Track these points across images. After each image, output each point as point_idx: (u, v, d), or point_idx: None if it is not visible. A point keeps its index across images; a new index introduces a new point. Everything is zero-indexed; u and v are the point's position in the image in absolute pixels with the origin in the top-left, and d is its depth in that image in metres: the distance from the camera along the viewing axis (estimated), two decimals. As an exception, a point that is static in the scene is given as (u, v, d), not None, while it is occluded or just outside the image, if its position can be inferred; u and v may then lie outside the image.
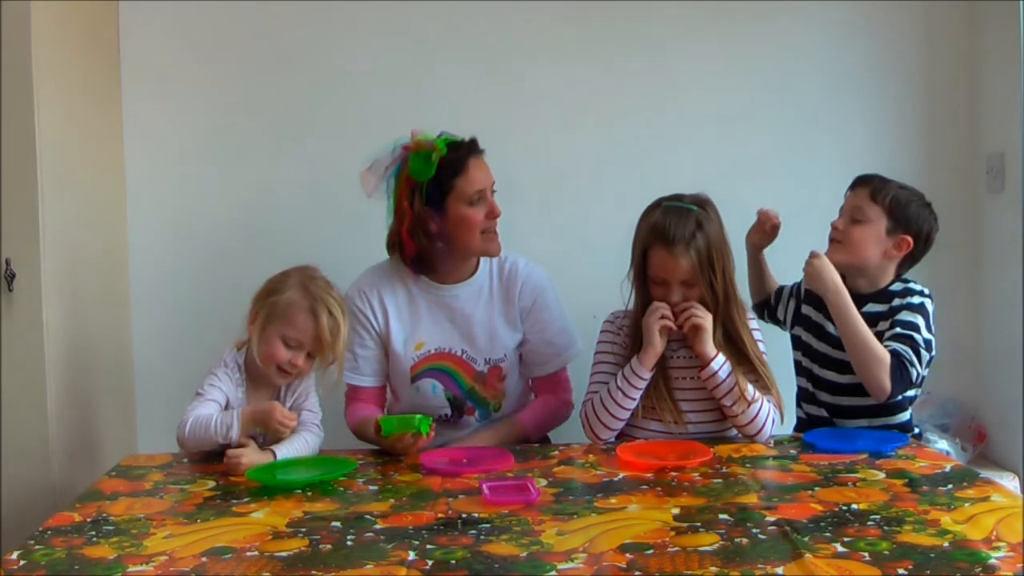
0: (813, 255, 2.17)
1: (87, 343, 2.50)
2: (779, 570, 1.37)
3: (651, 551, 1.45)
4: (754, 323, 2.24)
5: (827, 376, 2.25)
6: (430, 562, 1.43)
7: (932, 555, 1.41)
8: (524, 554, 1.45)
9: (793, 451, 2.04)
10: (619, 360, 2.21)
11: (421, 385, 2.28)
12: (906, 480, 1.81)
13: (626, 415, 2.14)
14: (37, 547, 1.52)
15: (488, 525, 1.59)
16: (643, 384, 2.13)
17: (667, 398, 2.16)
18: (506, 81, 2.83)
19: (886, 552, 1.42)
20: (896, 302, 2.18)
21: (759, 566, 1.39)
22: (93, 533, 1.58)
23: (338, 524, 1.61)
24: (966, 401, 2.85)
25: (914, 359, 2.09)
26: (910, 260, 2.23)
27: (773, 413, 2.13)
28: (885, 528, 1.53)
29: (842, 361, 2.17)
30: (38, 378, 2.25)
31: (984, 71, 2.82)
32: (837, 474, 1.85)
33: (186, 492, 1.83)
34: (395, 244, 2.27)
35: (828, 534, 1.51)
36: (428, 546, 1.49)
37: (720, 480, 1.83)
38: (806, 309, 2.32)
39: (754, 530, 1.54)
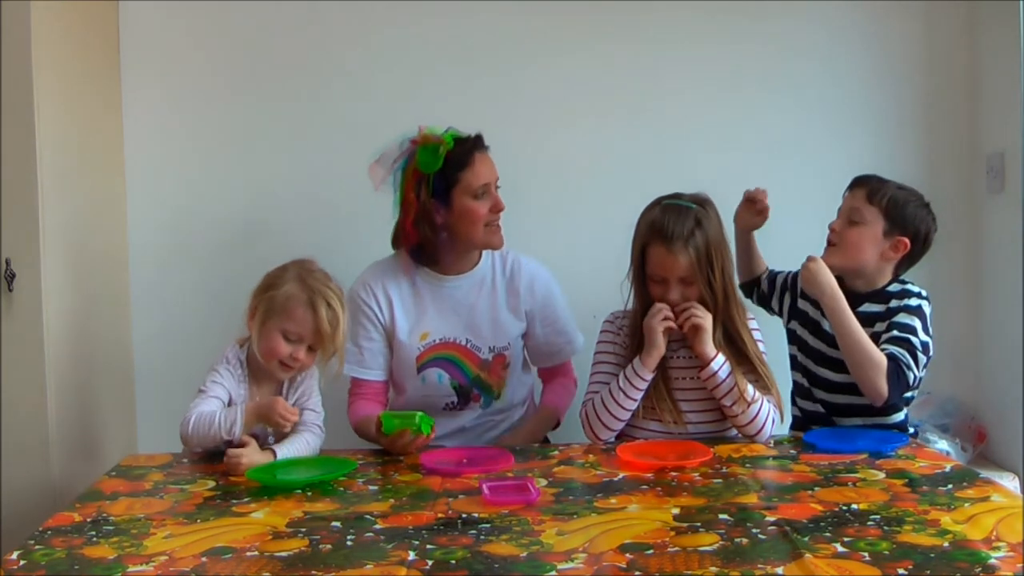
0: (810, 259, 2.17)
1: (87, 343, 2.50)
2: (779, 570, 1.37)
3: (651, 551, 1.45)
4: (754, 323, 2.24)
5: (822, 374, 2.25)
6: (430, 562, 1.43)
7: (932, 555, 1.41)
8: (524, 554, 1.45)
9: (793, 451, 2.04)
10: (619, 360, 2.21)
11: (427, 375, 2.31)
12: (906, 480, 1.81)
13: (627, 415, 2.14)
14: (37, 547, 1.52)
15: (488, 525, 1.59)
16: (645, 385, 2.13)
17: (667, 398, 2.16)
18: (506, 81, 2.83)
19: (886, 552, 1.42)
20: (893, 303, 2.18)
21: (759, 566, 1.39)
22: (93, 533, 1.58)
23: (338, 524, 1.61)
24: (966, 401, 2.85)
25: (911, 363, 2.09)
26: (908, 261, 2.23)
27: (773, 413, 2.13)
28: (885, 528, 1.53)
29: (838, 359, 2.17)
30: (38, 378, 2.25)
31: (984, 71, 2.82)
32: (837, 474, 1.85)
33: (186, 492, 1.83)
34: (400, 237, 2.31)
35: (828, 534, 1.51)
36: (428, 546, 1.49)
37: (720, 480, 1.83)
38: (802, 304, 2.32)
39: (754, 530, 1.54)
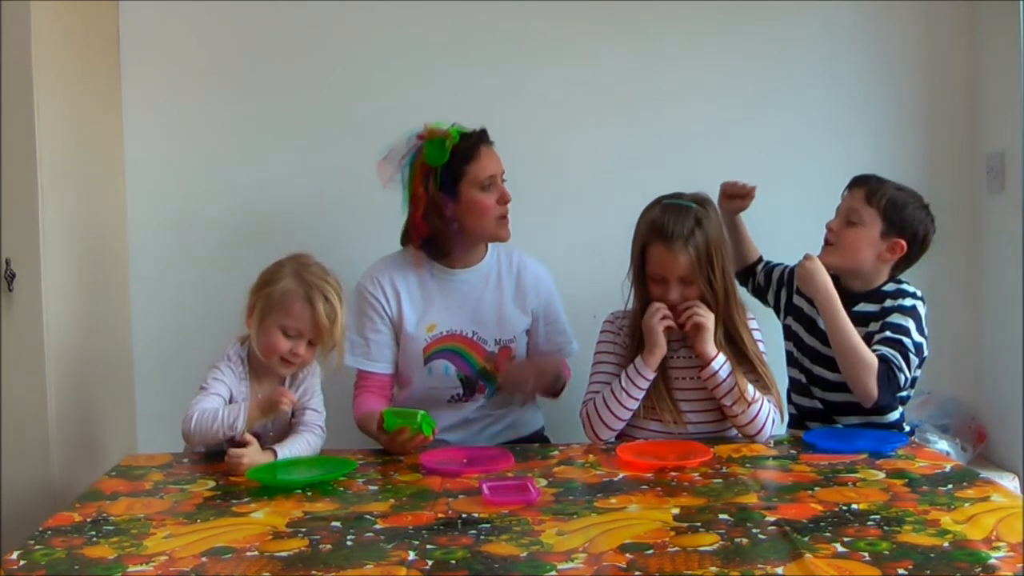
0: (806, 257, 2.17)
1: (87, 343, 2.50)
2: (779, 570, 1.37)
3: (651, 551, 1.45)
4: (754, 322, 2.24)
5: (818, 372, 2.25)
6: (430, 562, 1.43)
7: (932, 555, 1.41)
8: (524, 554, 1.45)
9: (793, 451, 2.04)
10: (619, 360, 2.21)
11: (434, 366, 2.33)
12: (906, 480, 1.81)
13: (628, 415, 2.14)
14: (37, 547, 1.52)
15: (488, 525, 1.59)
16: (647, 385, 2.13)
17: (667, 398, 2.16)
18: (506, 81, 2.83)
19: (886, 552, 1.42)
20: (888, 303, 2.18)
21: (759, 566, 1.39)
22: (93, 533, 1.58)
23: (338, 524, 1.61)
24: (966, 401, 2.85)
25: (902, 364, 2.09)
26: (905, 262, 2.23)
27: (773, 413, 2.13)
28: (885, 528, 1.53)
29: (833, 357, 2.17)
30: (38, 378, 2.25)
31: (984, 71, 2.82)
32: (837, 474, 1.85)
33: (186, 492, 1.83)
34: (409, 233, 2.34)
35: (828, 534, 1.51)
36: (428, 546, 1.49)
37: (720, 480, 1.83)
38: (798, 300, 2.32)
39: (754, 530, 1.54)
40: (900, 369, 2.08)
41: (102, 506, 1.73)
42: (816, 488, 1.76)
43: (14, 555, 1.48)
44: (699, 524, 1.57)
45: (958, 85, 2.87)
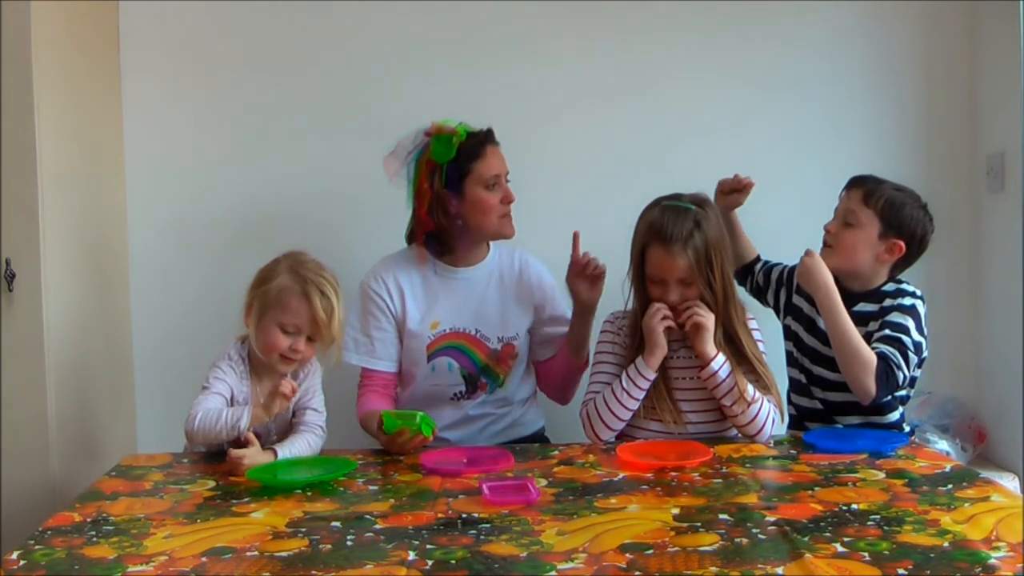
0: (808, 253, 2.17)
1: (87, 343, 2.50)
2: (779, 570, 1.37)
3: (651, 551, 1.45)
4: (754, 322, 2.24)
5: (818, 372, 2.25)
6: (430, 562, 1.43)
7: (932, 555, 1.41)
8: (524, 554, 1.45)
9: (793, 451, 2.04)
10: (619, 360, 2.21)
11: (437, 363, 2.34)
12: (906, 480, 1.81)
13: (628, 416, 2.14)
14: (37, 547, 1.52)
15: (488, 525, 1.59)
16: (647, 385, 2.13)
17: (667, 398, 2.16)
18: (505, 81, 2.83)
19: (886, 552, 1.42)
20: (887, 302, 2.18)
21: (759, 566, 1.39)
22: (93, 533, 1.58)
23: (338, 524, 1.61)
24: (966, 401, 2.85)
25: (901, 362, 2.09)
26: (904, 262, 2.22)
27: (773, 413, 2.13)
28: (885, 528, 1.53)
29: (833, 357, 2.17)
30: (38, 378, 2.25)
31: (984, 71, 2.82)
32: (837, 474, 1.85)
33: (186, 492, 1.83)
34: (413, 230, 2.36)
35: (828, 534, 1.51)
36: (428, 546, 1.49)
37: (720, 480, 1.83)
38: (797, 300, 2.32)
39: (754, 530, 1.54)
40: (899, 367, 2.08)
41: (102, 506, 1.73)
42: (816, 488, 1.76)
43: (14, 555, 1.48)
44: (699, 524, 1.57)
45: (958, 85, 2.87)
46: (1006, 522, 1.54)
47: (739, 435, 2.16)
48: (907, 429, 2.27)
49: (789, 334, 2.34)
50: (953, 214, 2.74)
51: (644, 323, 2.14)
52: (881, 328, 2.14)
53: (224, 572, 1.41)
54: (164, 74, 2.81)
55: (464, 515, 1.64)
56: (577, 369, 2.37)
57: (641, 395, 2.13)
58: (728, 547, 1.46)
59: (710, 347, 2.10)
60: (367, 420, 2.22)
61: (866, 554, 1.41)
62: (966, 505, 1.64)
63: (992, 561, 1.38)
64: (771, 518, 1.59)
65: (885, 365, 2.07)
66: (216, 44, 2.82)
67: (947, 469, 1.88)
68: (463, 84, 2.80)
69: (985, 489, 1.73)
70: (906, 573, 1.35)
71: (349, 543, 1.52)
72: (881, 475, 1.84)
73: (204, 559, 1.46)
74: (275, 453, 1.98)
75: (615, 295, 2.25)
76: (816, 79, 2.86)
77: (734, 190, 2.40)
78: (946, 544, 1.45)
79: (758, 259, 2.49)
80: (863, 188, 2.21)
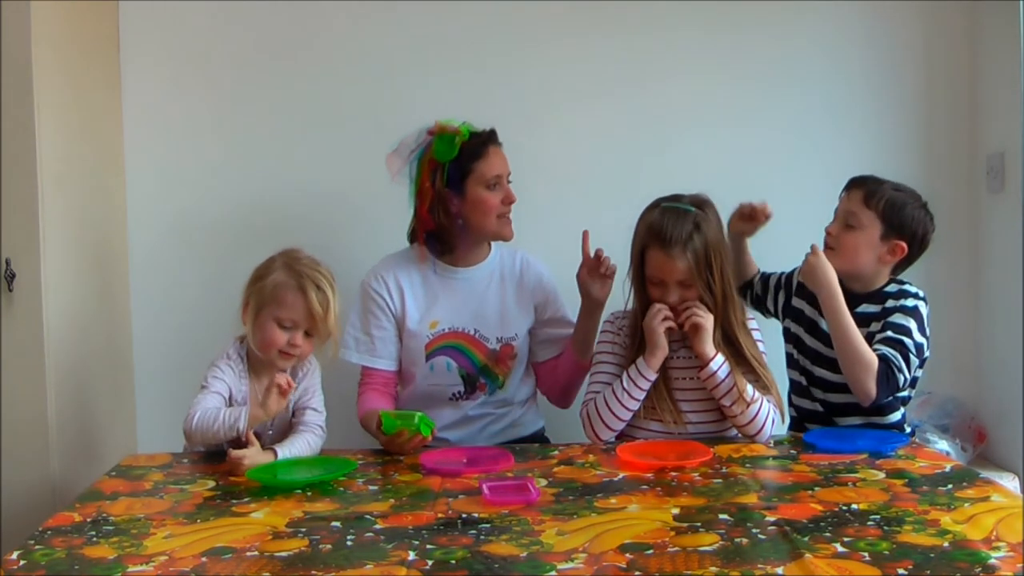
0: (813, 251, 2.17)
1: (87, 343, 2.50)
2: (779, 570, 1.37)
3: (651, 551, 1.45)
4: (753, 323, 2.24)
5: (819, 373, 2.25)
6: (430, 562, 1.43)
7: (932, 555, 1.41)
8: (524, 554, 1.45)
9: (793, 451, 2.04)
10: (619, 360, 2.21)
11: (436, 363, 2.34)
12: (906, 480, 1.81)
13: (628, 416, 2.15)
14: (37, 547, 1.52)
15: (488, 525, 1.59)
16: (648, 386, 2.13)
17: (667, 398, 2.16)
18: (505, 80, 2.83)
19: (886, 552, 1.42)
20: (890, 303, 2.18)
21: (759, 566, 1.39)
22: (93, 533, 1.58)
23: (338, 524, 1.61)
24: (966, 401, 2.85)
25: (902, 364, 2.09)
26: (906, 262, 2.22)
27: (773, 413, 2.13)
28: (885, 528, 1.53)
29: (834, 359, 2.16)
30: (38, 378, 2.25)
31: (984, 71, 2.82)
32: (837, 474, 1.85)
33: (186, 492, 1.83)
34: (415, 229, 2.36)
35: (828, 534, 1.51)
36: (428, 546, 1.49)
37: (720, 480, 1.83)
38: (797, 302, 2.32)
39: (754, 530, 1.54)
40: (900, 369, 2.08)
41: (102, 506, 1.73)
42: (816, 488, 1.76)
43: (14, 555, 1.48)
44: (699, 524, 1.57)
45: (958, 85, 2.87)
46: (1006, 522, 1.54)
47: (739, 435, 2.16)
48: (908, 430, 2.27)
49: (789, 336, 2.34)
50: (953, 214, 2.74)
51: (645, 324, 2.14)
52: (883, 329, 2.14)
53: (224, 572, 1.41)
54: (164, 74, 2.81)
55: (464, 515, 1.64)
56: (582, 369, 2.36)
57: (642, 395, 2.14)
58: (728, 547, 1.46)
59: (709, 348, 2.10)
60: (367, 419, 2.22)
61: (866, 554, 1.41)
62: (966, 505, 1.64)
63: (992, 561, 1.38)
64: (771, 518, 1.59)
65: (886, 367, 2.07)
66: (216, 44, 2.82)
67: (947, 469, 1.88)
68: (463, 84, 2.80)
69: (985, 489, 1.73)
70: (906, 573, 1.35)
71: (349, 543, 1.52)
72: (881, 475, 1.84)
73: (204, 559, 1.46)
74: (275, 453, 1.98)
75: (616, 295, 2.25)
76: (816, 79, 2.86)
77: (752, 219, 2.38)
78: (946, 544, 1.45)
79: (757, 272, 2.48)
80: (864, 189, 2.20)
